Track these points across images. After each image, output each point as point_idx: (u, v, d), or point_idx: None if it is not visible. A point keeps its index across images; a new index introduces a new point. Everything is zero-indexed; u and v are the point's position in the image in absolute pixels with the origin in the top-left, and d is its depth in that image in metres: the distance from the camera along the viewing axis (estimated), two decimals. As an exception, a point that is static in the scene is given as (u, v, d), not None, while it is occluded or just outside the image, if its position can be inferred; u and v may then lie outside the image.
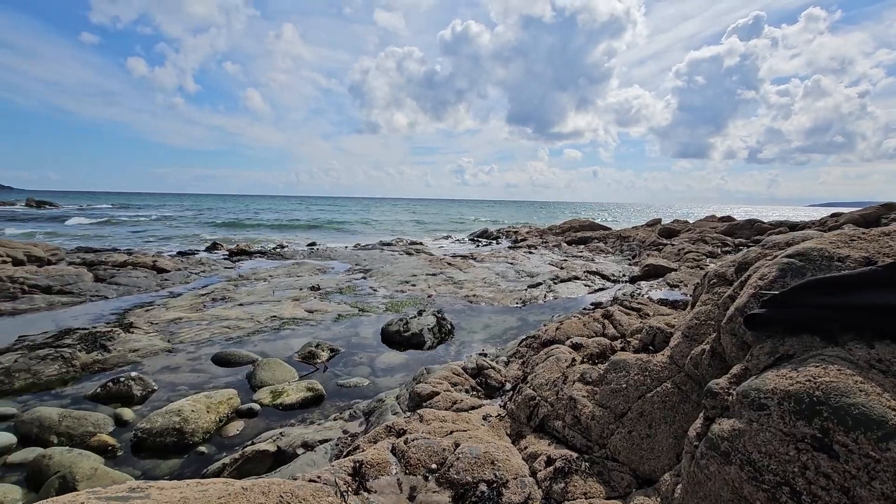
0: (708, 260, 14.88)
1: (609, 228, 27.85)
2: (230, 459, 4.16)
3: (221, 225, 36.24)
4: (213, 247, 19.40)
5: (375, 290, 12.25)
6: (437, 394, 4.82)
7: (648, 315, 7.29)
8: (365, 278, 13.83)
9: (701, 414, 1.89)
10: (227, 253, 18.15)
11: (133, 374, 5.99)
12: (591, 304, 10.58)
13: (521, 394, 4.03)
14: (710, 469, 1.61)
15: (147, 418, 4.82)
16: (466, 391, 5.23)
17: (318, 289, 12.06)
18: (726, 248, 17.18)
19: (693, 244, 17.94)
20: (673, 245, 18.16)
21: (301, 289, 11.96)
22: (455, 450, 3.12)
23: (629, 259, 17.69)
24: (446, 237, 29.52)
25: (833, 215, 20.01)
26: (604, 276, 14.30)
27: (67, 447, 4.24)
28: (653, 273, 13.61)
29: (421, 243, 24.00)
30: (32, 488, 3.71)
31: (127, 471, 4.12)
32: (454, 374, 5.47)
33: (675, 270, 13.53)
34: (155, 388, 5.82)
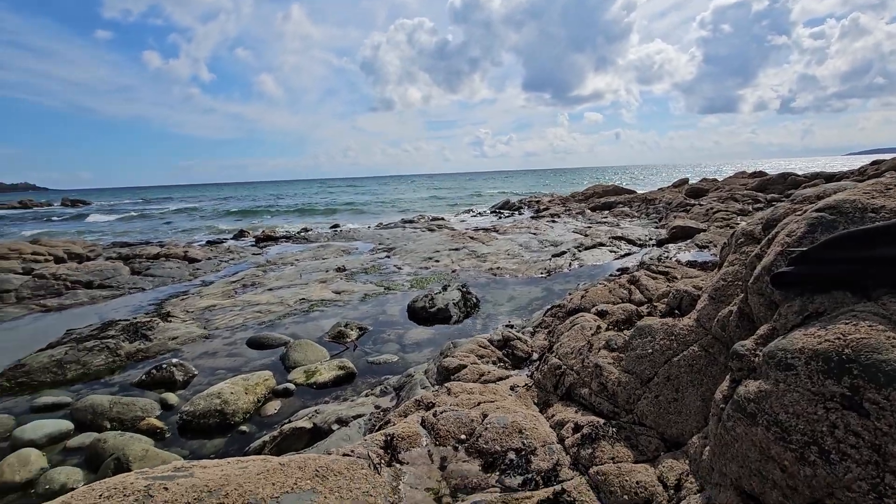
0: (738, 218, 14.40)
1: (634, 192, 27.17)
2: (270, 437, 4.35)
3: (245, 213, 36.87)
4: (241, 234, 19.86)
5: (400, 268, 12.37)
6: (465, 367, 4.89)
7: (676, 278, 7.15)
8: (389, 257, 13.97)
9: (727, 376, 1.87)
10: (254, 239, 18.55)
11: (174, 360, 6.28)
12: (618, 269, 10.44)
13: (548, 363, 4.05)
14: (736, 431, 1.59)
15: (190, 402, 5.07)
16: (493, 363, 5.29)
17: (344, 270, 12.26)
18: (758, 205, 16.56)
19: (722, 203, 17.36)
20: (701, 205, 17.61)
21: (327, 271, 12.18)
22: (483, 420, 3.18)
23: (656, 222, 17.29)
24: (467, 211, 29.36)
25: (874, 163, 18.92)
26: (630, 241, 14.04)
27: (120, 431, 4.52)
28: (680, 235, 13.28)
29: (442, 219, 23.97)
30: (91, 470, 3.98)
31: (176, 451, 4.36)
32: (480, 346, 5.52)
33: (704, 231, 13.16)
34: (195, 373, 6.09)
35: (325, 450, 3.16)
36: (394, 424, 3.35)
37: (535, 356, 5.37)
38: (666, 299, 4.55)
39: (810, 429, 1.31)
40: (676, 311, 3.35)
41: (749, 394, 1.55)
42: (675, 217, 16.45)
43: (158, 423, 4.79)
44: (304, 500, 2.11)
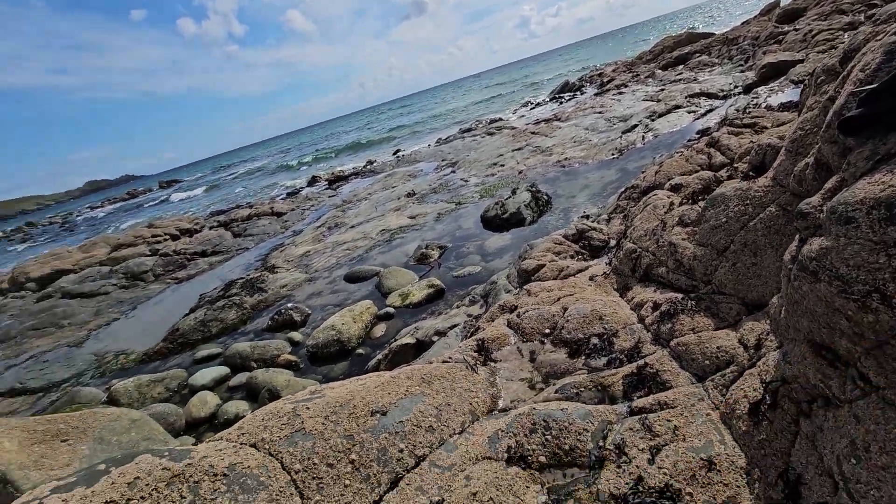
0: (846, 35, 12.11)
1: (711, 34, 23.61)
2: (382, 355, 4.99)
3: (311, 160, 37.95)
4: (313, 180, 20.86)
5: (466, 181, 12.42)
6: (543, 266, 5.06)
7: (766, 128, 6.48)
8: (454, 171, 14.00)
9: (797, 236, 1.82)
10: (327, 183, 19.43)
11: (290, 305, 7.20)
12: (697, 132, 9.59)
13: (623, 249, 4.07)
14: (802, 289, 1.60)
15: (311, 336, 5.90)
16: (571, 257, 5.40)
17: (414, 194, 12.60)
18: (874, 12, 13.66)
19: (824, 20, 14.56)
20: (797, 30, 14.94)
21: (399, 198, 12.61)
22: (564, 313, 3.39)
23: (741, 65, 15.16)
24: (525, 104, 27.75)
25: None
26: (710, 95, 12.61)
27: (264, 368, 5.44)
28: (772, 73, 11.61)
29: (500, 119, 23.03)
30: (252, 400, 4.93)
31: (311, 377, 5.21)
32: (556, 243, 5.62)
33: (801, 62, 11.35)
34: (309, 312, 6.96)
35: (428, 359, 3.61)
36: (483, 330, 3.70)
37: (612, 243, 5.38)
38: (748, 157, 4.22)
39: (871, 278, 1.30)
40: (752, 174, 3.13)
41: (811, 252, 1.53)
42: (763, 53, 14.25)
43: (292, 358, 5.68)
44: (416, 402, 2.52)
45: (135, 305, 9.96)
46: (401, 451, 2.27)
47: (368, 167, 20.42)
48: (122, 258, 12.98)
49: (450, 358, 3.18)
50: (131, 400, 5.42)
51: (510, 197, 8.98)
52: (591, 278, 4.23)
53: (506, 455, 2.23)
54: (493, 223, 8.63)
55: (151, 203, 44.53)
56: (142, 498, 1.71)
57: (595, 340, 3.03)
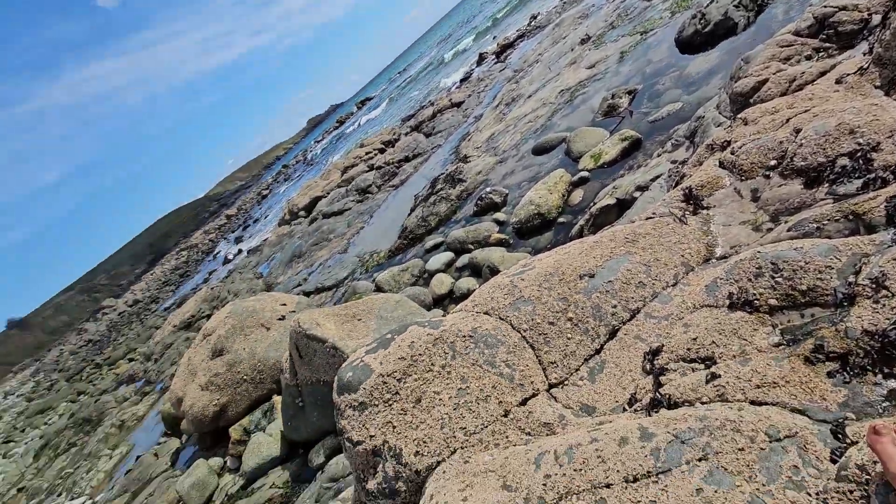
0: None
1: None
2: (584, 220, 5.07)
3: (472, 39, 35.92)
4: (481, 59, 20.27)
5: None
6: (765, 81, 4.12)
7: None
8: (633, -7, 11.70)
9: None
10: (494, 56, 18.67)
11: (488, 189, 7.70)
12: None
13: (890, 26, 2.97)
14: None
15: (514, 214, 6.31)
16: (807, 58, 4.22)
17: (589, 38, 11.17)
18: None
19: None
20: None
21: (572, 49, 11.39)
22: (796, 137, 2.80)
23: None
24: None
25: None
26: None
27: (480, 248, 6.16)
28: None
29: None
30: (477, 276, 5.74)
31: (521, 251, 5.69)
32: (783, 46, 4.42)
33: None
34: (507, 192, 7.34)
35: (630, 218, 3.54)
36: (690, 176, 3.36)
37: (876, 19, 3.93)
38: None
39: None
40: None
41: None
42: None
43: (501, 236, 6.25)
44: (621, 262, 2.60)
45: (371, 214, 12.08)
46: (614, 306, 2.44)
47: (533, 23, 18.63)
48: (351, 178, 15.56)
49: (654, 213, 3.06)
50: (390, 287, 6.92)
51: (712, 1, 7.19)
52: (837, 81, 3.29)
53: (727, 301, 2.17)
54: (693, 43, 7.18)
55: (352, 128, 49.61)
56: (420, 354, 2.34)
57: (843, 161, 2.46)
